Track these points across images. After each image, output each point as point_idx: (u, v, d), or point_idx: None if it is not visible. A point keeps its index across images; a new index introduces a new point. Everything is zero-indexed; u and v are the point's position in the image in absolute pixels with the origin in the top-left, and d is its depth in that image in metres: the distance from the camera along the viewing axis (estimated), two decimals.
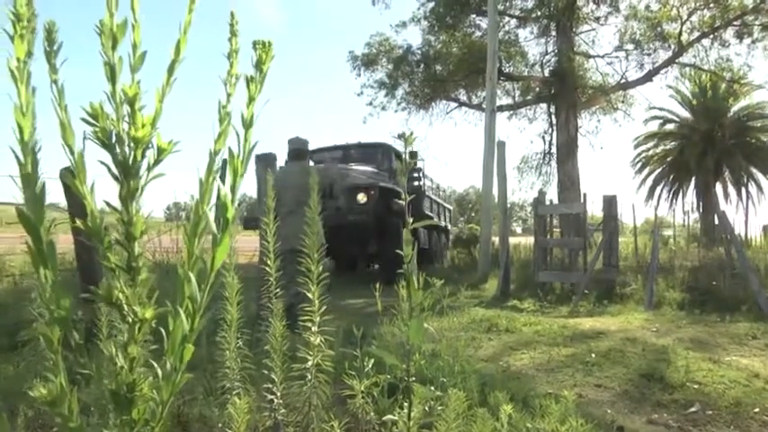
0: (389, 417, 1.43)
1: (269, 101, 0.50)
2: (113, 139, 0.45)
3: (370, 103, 18.63)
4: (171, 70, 0.49)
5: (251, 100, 0.51)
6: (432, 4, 17.14)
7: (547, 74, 17.27)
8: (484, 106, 13.32)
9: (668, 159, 23.12)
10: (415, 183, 12.27)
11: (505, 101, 18.66)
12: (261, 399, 2.22)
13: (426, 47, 17.96)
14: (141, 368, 0.48)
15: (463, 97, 19.10)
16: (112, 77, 0.45)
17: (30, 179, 0.44)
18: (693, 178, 22.08)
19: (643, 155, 23.94)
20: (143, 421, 0.45)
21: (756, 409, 3.17)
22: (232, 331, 2.11)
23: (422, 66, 17.89)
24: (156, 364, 0.48)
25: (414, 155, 11.78)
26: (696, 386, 3.57)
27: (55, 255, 0.45)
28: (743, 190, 22.00)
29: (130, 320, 0.46)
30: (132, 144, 0.45)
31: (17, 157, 0.44)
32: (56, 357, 0.47)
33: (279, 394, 2.15)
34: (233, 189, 0.50)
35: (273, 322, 2.15)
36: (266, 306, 2.27)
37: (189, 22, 0.49)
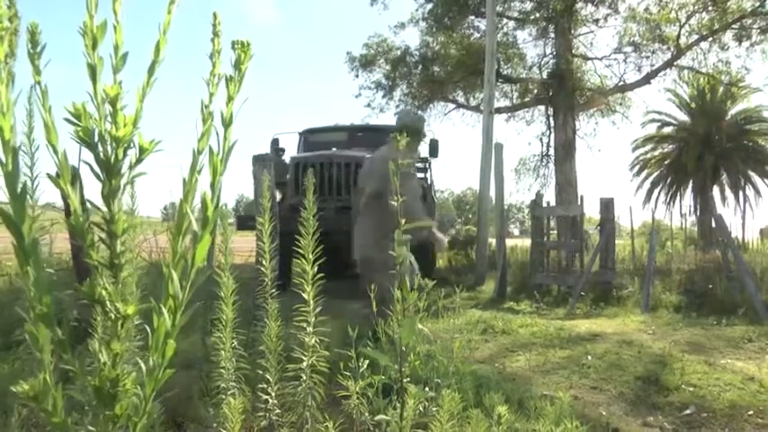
0: (381, 417, 1.43)
1: (248, 99, 0.51)
2: (95, 138, 0.46)
3: (369, 105, 18.61)
4: (151, 71, 0.49)
5: (230, 99, 0.52)
6: (430, 6, 17.16)
7: (545, 76, 17.29)
8: (482, 108, 13.32)
9: (666, 162, 23.17)
10: (421, 175, 10.77)
11: (503, 102, 18.68)
12: (256, 399, 2.22)
13: (424, 48, 17.97)
14: (126, 365, 0.49)
15: (461, 99, 19.12)
16: (93, 77, 0.46)
17: (11, 178, 0.44)
18: (691, 181, 22.11)
19: (641, 158, 23.99)
20: (126, 416, 0.45)
21: (751, 412, 3.18)
22: (227, 331, 2.11)
23: (420, 67, 17.90)
24: (140, 360, 0.49)
25: (435, 144, 11.09)
26: (691, 389, 3.58)
27: (38, 252, 0.46)
28: (740, 193, 22.04)
29: (113, 317, 0.46)
30: (114, 143, 0.46)
31: None
32: (42, 354, 0.47)
33: (274, 394, 2.16)
34: (213, 187, 0.51)
35: (268, 323, 2.15)
36: (262, 306, 2.28)
37: (168, 23, 0.49)
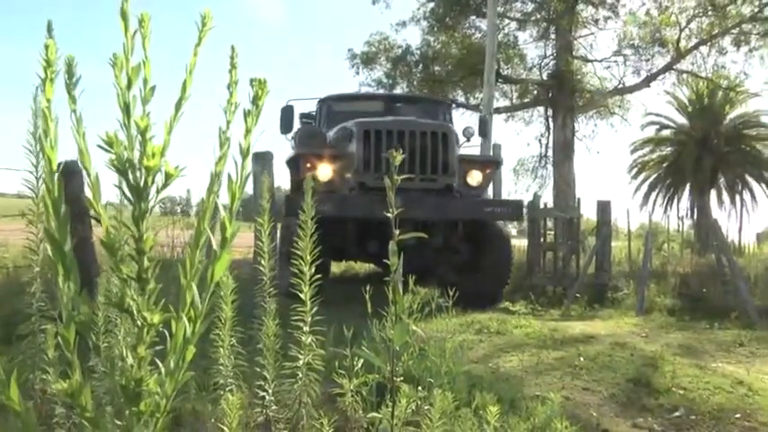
0: (373, 414, 1.49)
1: (264, 131, 0.56)
2: (126, 164, 0.51)
3: None
4: (178, 106, 0.55)
5: (248, 131, 0.57)
6: (432, 5, 17.26)
7: (545, 77, 17.38)
8: (481, 108, 13.38)
9: (664, 165, 23.22)
10: None
11: (503, 102, 18.79)
12: (253, 395, 2.27)
13: (425, 47, 18.07)
14: (148, 366, 0.54)
15: (461, 98, 19.20)
16: (127, 112, 0.51)
17: (56, 204, 0.50)
18: (689, 184, 22.18)
19: (639, 160, 24.03)
20: (149, 412, 0.50)
21: (738, 415, 3.24)
22: (226, 329, 2.16)
23: (420, 66, 17.99)
24: (160, 363, 0.54)
25: (485, 121, 9.46)
26: (681, 391, 3.63)
27: (76, 268, 0.51)
28: (737, 197, 22.12)
29: (140, 324, 0.52)
30: (144, 171, 0.51)
31: (47, 185, 0.50)
32: (72, 356, 0.53)
33: (270, 391, 2.21)
34: (230, 211, 0.56)
35: (266, 321, 2.20)
36: (260, 305, 2.33)
37: (194, 64, 0.55)
